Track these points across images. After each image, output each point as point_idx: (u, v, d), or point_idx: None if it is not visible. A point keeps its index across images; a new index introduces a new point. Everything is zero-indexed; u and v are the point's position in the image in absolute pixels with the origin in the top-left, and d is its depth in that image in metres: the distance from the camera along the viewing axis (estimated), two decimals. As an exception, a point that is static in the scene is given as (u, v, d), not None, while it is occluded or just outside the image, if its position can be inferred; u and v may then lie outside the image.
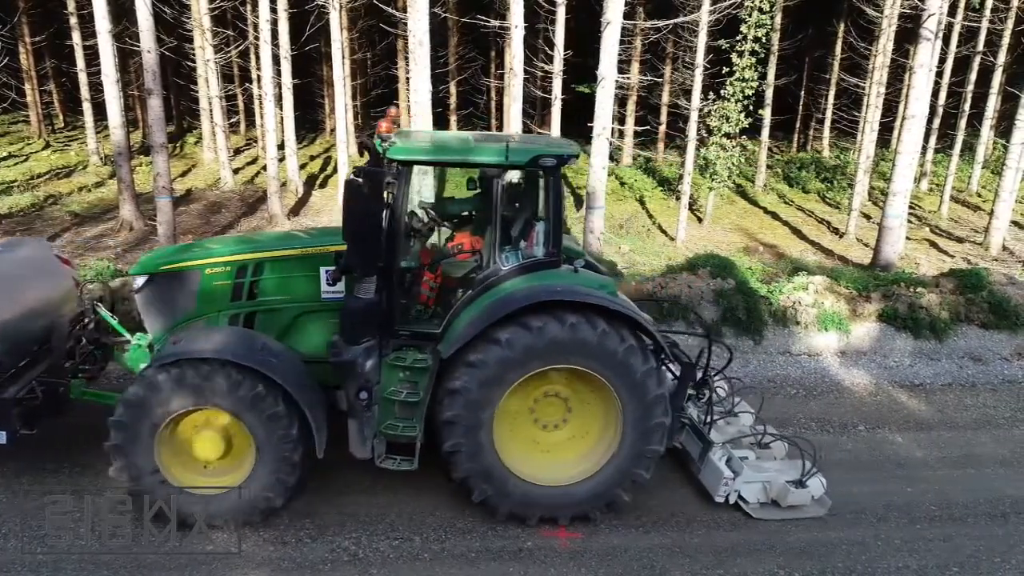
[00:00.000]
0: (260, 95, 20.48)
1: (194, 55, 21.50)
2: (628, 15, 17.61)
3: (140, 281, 6.95)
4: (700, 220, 19.55)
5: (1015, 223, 19.41)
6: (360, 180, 5.97)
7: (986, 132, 22.37)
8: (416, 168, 6.52)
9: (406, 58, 19.03)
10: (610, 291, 6.44)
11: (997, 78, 21.18)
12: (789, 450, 7.53)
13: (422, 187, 7.41)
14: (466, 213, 7.58)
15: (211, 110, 21.86)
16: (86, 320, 7.39)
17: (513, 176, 6.84)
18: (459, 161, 6.71)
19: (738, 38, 16.79)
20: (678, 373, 7.52)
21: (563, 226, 6.55)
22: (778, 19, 22.57)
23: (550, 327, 6.10)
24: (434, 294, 6.81)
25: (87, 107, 22.52)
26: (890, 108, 22.99)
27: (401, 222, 6.32)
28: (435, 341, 6.41)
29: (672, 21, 16.72)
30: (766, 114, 23.18)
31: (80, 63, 21.80)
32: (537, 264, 6.52)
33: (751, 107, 17.57)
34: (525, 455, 6.65)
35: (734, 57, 16.80)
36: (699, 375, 7.92)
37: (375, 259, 6.13)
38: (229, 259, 6.93)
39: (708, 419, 7.64)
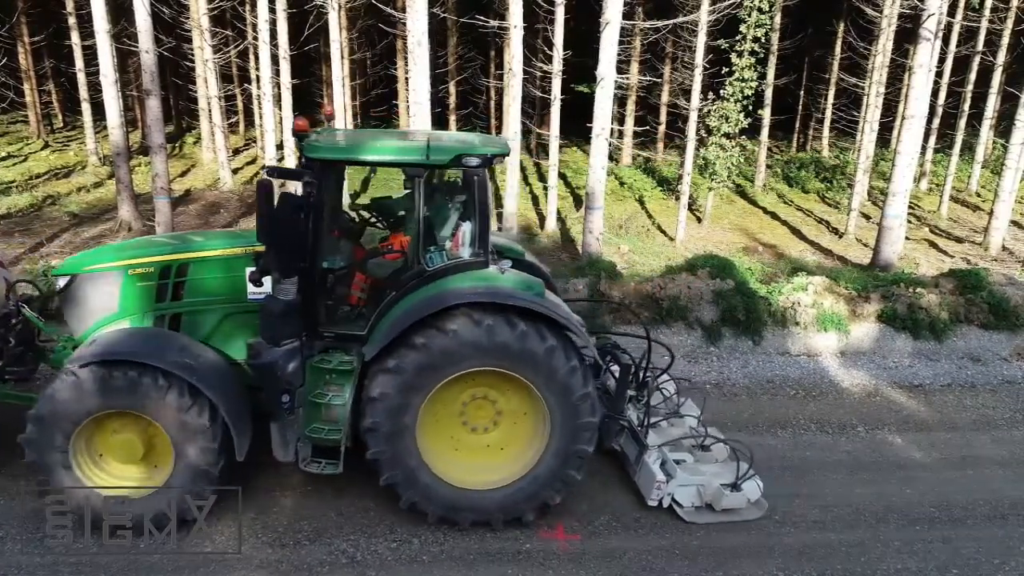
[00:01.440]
0: (259, 95, 20.47)
1: (193, 55, 21.48)
2: (627, 15, 17.60)
3: (62, 282, 6.86)
4: (699, 220, 19.53)
5: (1015, 223, 19.39)
6: (271, 180, 5.89)
7: (986, 132, 22.35)
8: (337, 167, 6.41)
9: (405, 58, 19.01)
10: (536, 292, 6.32)
11: (997, 78, 21.15)
12: (731, 452, 7.45)
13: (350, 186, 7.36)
14: (403, 213, 7.47)
15: (210, 110, 21.84)
16: (13, 321, 7.21)
17: (439, 175, 6.80)
18: (377, 160, 6.63)
19: (737, 38, 16.78)
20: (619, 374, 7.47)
21: (489, 226, 6.44)
22: (777, 19, 22.55)
23: (469, 330, 6.03)
24: (365, 295, 6.72)
25: (86, 107, 22.49)
26: (890, 108, 22.97)
27: (322, 222, 6.21)
28: (361, 343, 6.34)
29: (671, 21, 16.71)
30: (765, 114, 23.16)
31: (79, 63, 21.76)
32: (463, 265, 6.43)
33: (750, 107, 17.56)
34: (455, 459, 6.59)
35: (733, 57, 16.79)
36: (644, 376, 7.93)
37: (293, 260, 6.06)
38: (152, 260, 6.82)
39: (646, 421, 7.56)
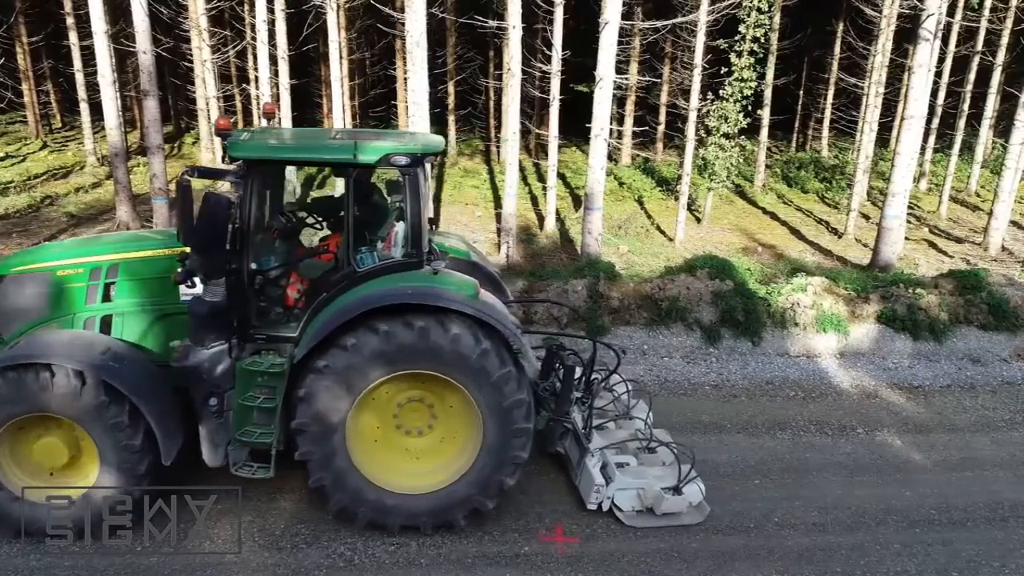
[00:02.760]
0: (257, 96, 20.43)
1: (191, 56, 21.44)
2: (626, 15, 17.58)
3: None
4: (699, 220, 19.51)
5: (1014, 223, 19.38)
6: (191, 180, 5.81)
7: (985, 132, 22.33)
8: (266, 166, 6.31)
9: (404, 58, 18.98)
10: (470, 293, 6.20)
11: (996, 78, 21.14)
12: (685, 455, 7.26)
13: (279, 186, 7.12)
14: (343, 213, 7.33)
15: (208, 111, 21.80)
16: None
17: (368, 175, 6.71)
18: (303, 159, 6.58)
19: (736, 38, 16.75)
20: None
21: (423, 226, 6.33)
22: (777, 19, 22.54)
23: (399, 331, 5.94)
24: (303, 296, 6.63)
25: (84, 107, 22.45)
26: (889, 108, 22.95)
27: (250, 222, 6.12)
28: (294, 345, 6.27)
29: (670, 21, 16.68)
30: (765, 114, 23.14)
31: (77, 63, 21.72)
32: (396, 265, 6.35)
33: (750, 107, 17.52)
34: (387, 462, 6.50)
35: (733, 57, 16.76)
36: (589, 378, 7.85)
37: (218, 261, 5.97)
38: (81, 261, 6.71)
39: (589, 424, 7.49)
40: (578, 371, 7.58)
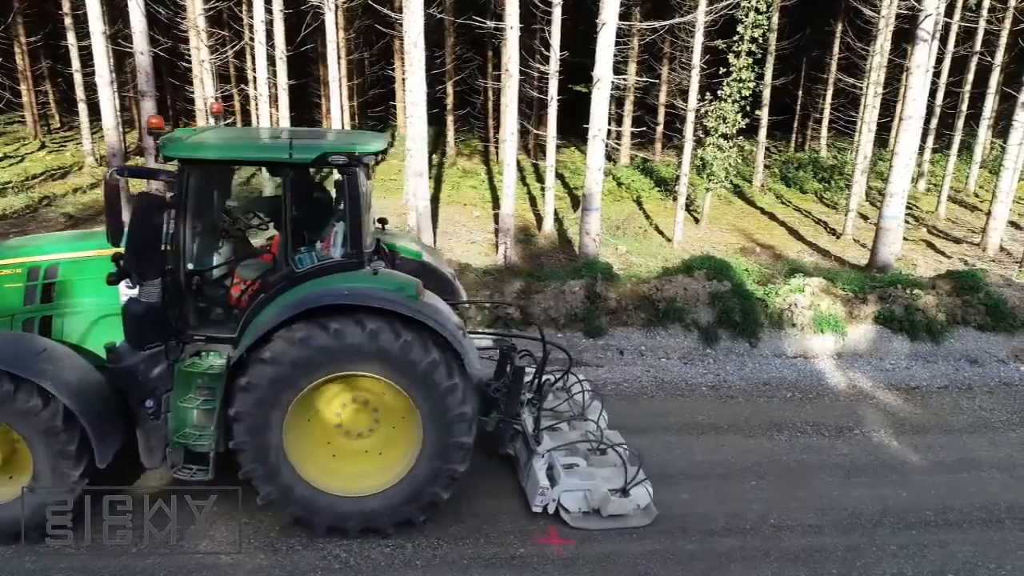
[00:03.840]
0: (256, 96, 20.41)
1: (189, 56, 21.41)
2: (624, 16, 17.57)
3: None
4: (697, 221, 19.51)
5: (1012, 223, 19.38)
6: (118, 181, 5.77)
7: (984, 132, 22.34)
8: (201, 166, 6.22)
9: (402, 59, 18.97)
10: (409, 294, 6.12)
11: (995, 78, 21.15)
12: (630, 456, 7.20)
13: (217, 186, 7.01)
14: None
15: (206, 111, 21.76)
16: None
17: (308, 174, 6.65)
18: (238, 159, 6.48)
19: (735, 38, 16.74)
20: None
21: (363, 226, 6.29)
22: (775, 19, 22.53)
23: (334, 332, 5.88)
24: (243, 296, 6.56)
25: (82, 108, 22.44)
26: (888, 108, 22.95)
27: (186, 222, 6.07)
28: (233, 346, 6.22)
29: (668, 22, 16.68)
30: (763, 114, 23.13)
31: (75, 63, 21.71)
32: (335, 266, 6.30)
33: (748, 107, 17.51)
34: (325, 462, 6.43)
35: (731, 57, 16.75)
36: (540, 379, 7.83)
37: (152, 262, 5.91)
38: (20, 261, 6.59)
39: (538, 425, 7.44)
40: (530, 372, 7.55)
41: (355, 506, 6.33)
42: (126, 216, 5.96)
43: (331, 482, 6.35)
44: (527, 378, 7.89)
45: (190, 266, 6.21)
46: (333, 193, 6.96)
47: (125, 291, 6.25)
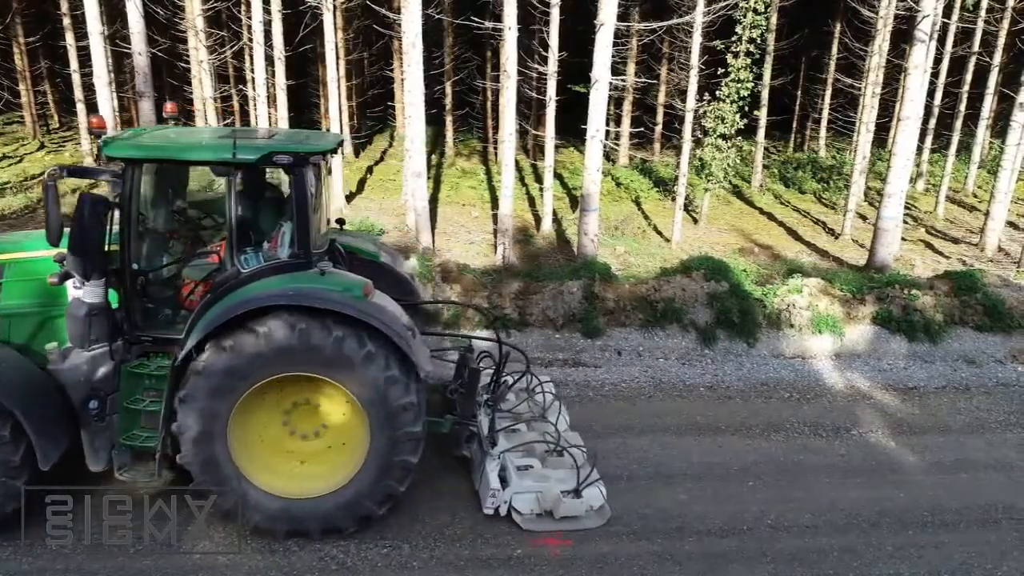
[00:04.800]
0: (254, 97, 20.41)
1: (188, 56, 21.40)
2: (623, 16, 17.56)
3: None
4: (696, 221, 19.49)
5: (1011, 224, 19.37)
6: (55, 181, 5.71)
7: (982, 132, 22.32)
8: (146, 166, 6.21)
9: (401, 59, 18.97)
10: (356, 294, 6.09)
11: (993, 78, 21.13)
12: (587, 457, 7.21)
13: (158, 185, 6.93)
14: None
15: (205, 112, 21.77)
16: None
17: (257, 174, 6.58)
18: (180, 159, 6.42)
19: (733, 39, 16.74)
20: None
21: (310, 226, 6.26)
22: (773, 19, 22.51)
23: (276, 333, 5.84)
24: (189, 296, 6.56)
25: (81, 108, 22.41)
26: (886, 108, 22.94)
27: (130, 223, 6.05)
28: (180, 347, 6.18)
29: (666, 23, 16.68)
30: (762, 115, 23.10)
31: (74, 64, 21.68)
32: (281, 266, 6.28)
33: (747, 108, 17.50)
34: (276, 466, 6.40)
35: (729, 58, 16.74)
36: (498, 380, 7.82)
37: (96, 262, 5.87)
38: None
39: (492, 427, 7.41)
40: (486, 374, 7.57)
41: (314, 508, 6.29)
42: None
43: (287, 486, 6.31)
44: (485, 380, 7.92)
45: (135, 266, 6.20)
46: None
47: (73, 292, 6.22)
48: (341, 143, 7.42)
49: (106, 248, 5.97)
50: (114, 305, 6.22)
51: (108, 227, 5.96)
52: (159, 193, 6.80)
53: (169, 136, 6.71)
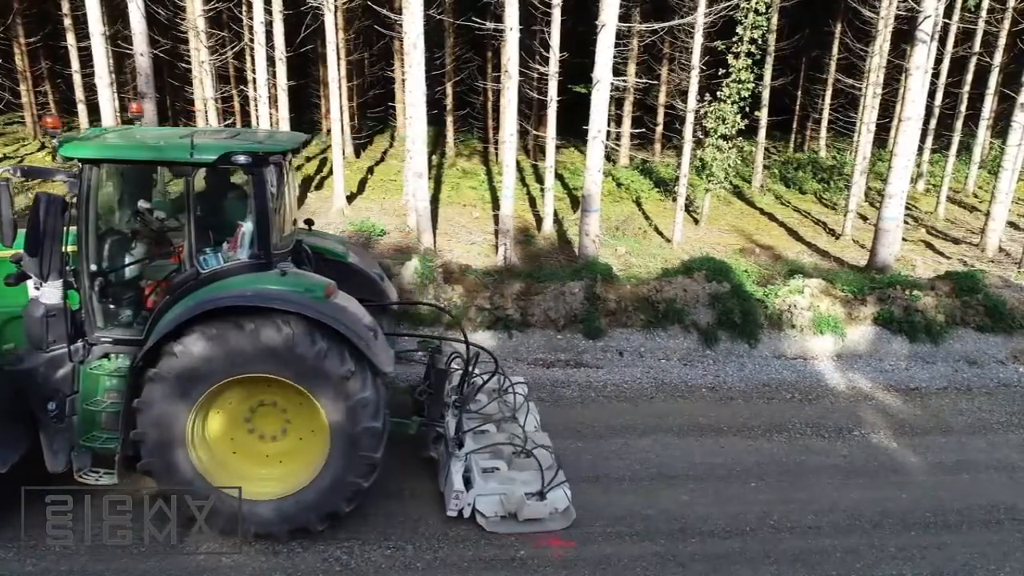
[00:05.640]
0: (255, 97, 20.42)
1: (189, 57, 21.42)
2: (624, 17, 17.56)
3: None
4: (696, 221, 19.50)
5: (1011, 224, 19.38)
6: (8, 181, 5.71)
7: (983, 133, 22.33)
8: (104, 166, 6.16)
9: (402, 59, 18.98)
10: (316, 295, 6.05)
11: (993, 79, 21.15)
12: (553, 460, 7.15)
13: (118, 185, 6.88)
14: (199, 213, 7.02)
15: (206, 112, 21.78)
16: None
17: (217, 174, 6.54)
18: (137, 159, 6.37)
19: (734, 39, 16.75)
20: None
21: (270, 226, 6.24)
22: (775, 20, 22.52)
23: (230, 335, 5.79)
24: (148, 296, 6.53)
25: (82, 109, 22.43)
26: (887, 109, 22.95)
27: (87, 223, 6.02)
28: (140, 347, 6.14)
29: (668, 24, 16.69)
30: (763, 115, 23.12)
31: (75, 64, 21.71)
32: (241, 267, 6.25)
33: (748, 108, 17.51)
34: (242, 468, 6.37)
35: (730, 58, 16.74)
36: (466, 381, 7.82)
37: (52, 263, 5.82)
38: None
39: (459, 428, 7.40)
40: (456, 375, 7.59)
41: (279, 508, 6.24)
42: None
43: (253, 488, 6.26)
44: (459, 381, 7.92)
45: (93, 267, 6.16)
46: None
47: (32, 292, 6.18)
48: (306, 143, 7.43)
49: (64, 249, 5.94)
50: (75, 306, 6.20)
51: (65, 227, 5.93)
52: (120, 193, 6.77)
53: (127, 136, 6.67)
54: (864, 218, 20.09)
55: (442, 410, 7.44)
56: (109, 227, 6.58)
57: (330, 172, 20.98)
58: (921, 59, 13.89)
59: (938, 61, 19.56)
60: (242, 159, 5.99)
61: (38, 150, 24.92)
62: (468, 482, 6.88)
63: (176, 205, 7.32)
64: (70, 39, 21.53)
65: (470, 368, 7.93)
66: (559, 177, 21.99)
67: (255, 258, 6.27)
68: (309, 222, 8.04)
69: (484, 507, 6.74)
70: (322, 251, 7.53)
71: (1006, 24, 21.02)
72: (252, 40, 17.82)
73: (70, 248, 6.13)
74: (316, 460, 6.24)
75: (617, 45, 13.90)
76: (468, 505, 6.78)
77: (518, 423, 7.79)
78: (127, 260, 6.70)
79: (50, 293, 5.97)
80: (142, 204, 6.93)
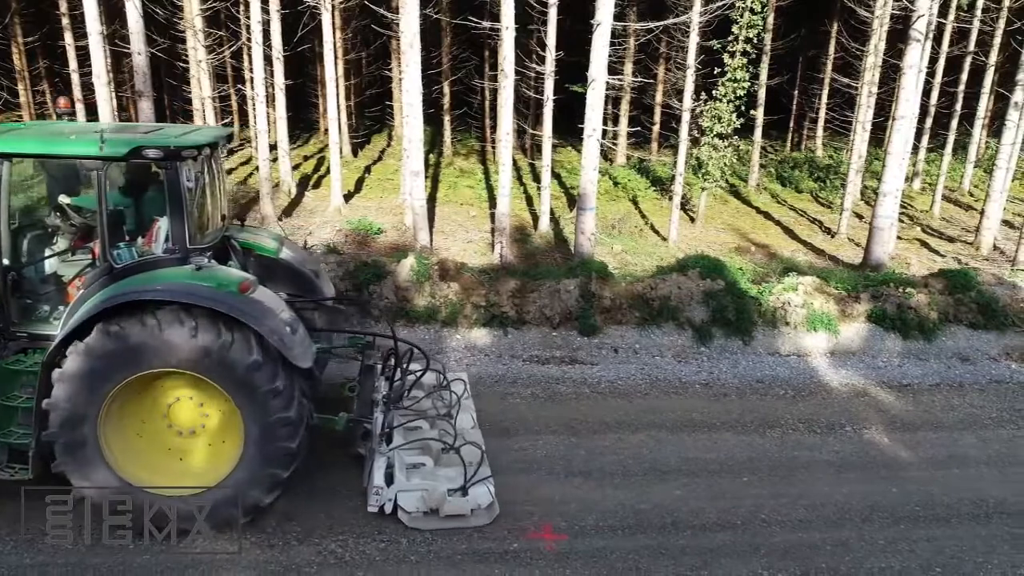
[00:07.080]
0: (252, 96, 20.46)
1: (187, 56, 21.46)
2: (620, 16, 17.63)
3: None
4: (693, 220, 19.56)
5: (1006, 223, 19.46)
6: None
7: (978, 132, 22.42)
8: (12, 161, 6.18)
9: (399, 59, 19.02)
10: (230, 290, 6.07)
11: (988, 78, 21.23)
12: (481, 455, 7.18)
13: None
14: (120, 208, 6.92)
15: (204, 111, 21.83)
16: None
17: (133, 168, 6.48)
18: (45, 153, 6.35)
19: (730, 38, 16.80)
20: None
21: (186, 221, 6.24)
22: (770, 19, 22.58)
23: (134, 330, 5.78)
24: (71, 292, 6.51)
25: (80, 108, 22.40)
26: (883, 108, 23.01)
27: (1, 218, 6.05)
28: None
29: (663, 23, 16.74)
30: (759, 114, 23.17)
31: (72, 64, 21.72)
32: (155, 262, 6.27)
33: (743, 107, 17.57)
34: (160, 464, 6.36)
35: (726, 57, 16.79)
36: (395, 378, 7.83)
37: None
38: None
39: (388, 424, 7.40)
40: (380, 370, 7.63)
41: (201, 501, 6.25)
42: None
43: (173, 483, 6.28)
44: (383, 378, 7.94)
45: (5, 262, 6.18)
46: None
47: None
48: (229, 137, 7.46)
49: None
50: None
51: None
52: (43, 188, 6.78)
53: (40, 130, 6.68)
54: (860, 217, 20.16)
55: (370, 406, 7.44)
56: (26, 222, 6.58)
57: (328, 171, 21.03)
58: (915, 58, 13.96)
59: (933, 60, 19.65)
60: (152, 153, 6.01)
61: (36, 149, 24.94)
62: (391, 478, 6.90)
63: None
64: (68, 38, 21.54)
65: (403, 364, 7.91)
66: (556, 176, 22.06)
67: (170, 253, 6.30)
68: (240, 219, 8.10)
69: (405, 503, 6.75)
70: (251, 247, 7.57)
71: (1001, 23, 21.10)
72: (249, 39, 17.85)
73: None
74: (233, 453, 6.27)
75: (613, 44, 13.97)
76: (389, 501, 6.78)
77: (450, 420, 7.82)
78: (46, 255, 6.69)
79: None
80: (63, 199, 6.86)
